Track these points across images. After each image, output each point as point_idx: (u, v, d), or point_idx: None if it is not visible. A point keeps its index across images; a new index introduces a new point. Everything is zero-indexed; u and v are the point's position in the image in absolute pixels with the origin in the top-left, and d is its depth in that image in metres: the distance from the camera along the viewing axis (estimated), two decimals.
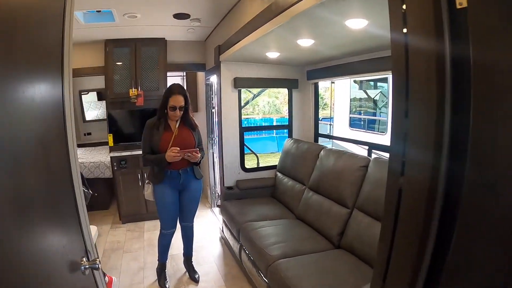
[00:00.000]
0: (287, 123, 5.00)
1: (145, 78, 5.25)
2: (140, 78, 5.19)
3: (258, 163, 5.52)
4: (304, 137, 4.93)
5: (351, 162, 3.36)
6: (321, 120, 9.67)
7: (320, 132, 4.94)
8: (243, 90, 5.03)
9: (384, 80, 8.23)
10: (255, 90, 8.90)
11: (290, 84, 4.83)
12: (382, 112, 8.52)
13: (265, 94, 16.07)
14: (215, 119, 5.41)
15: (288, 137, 4.93)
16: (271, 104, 16.72)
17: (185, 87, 6.72)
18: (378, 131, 8.07)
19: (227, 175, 4.70)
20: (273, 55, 3.88)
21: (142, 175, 5.14)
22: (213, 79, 5.12)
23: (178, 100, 3.22)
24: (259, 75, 4.66)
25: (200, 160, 3.33)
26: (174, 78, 7.53)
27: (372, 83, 9.20)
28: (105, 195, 5.83)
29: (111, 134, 5.32)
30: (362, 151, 7.08)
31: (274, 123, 14.72)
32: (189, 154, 3.14)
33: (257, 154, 5.65)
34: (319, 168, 3.80)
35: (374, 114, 8.83)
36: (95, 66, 5.30)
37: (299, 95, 4.93)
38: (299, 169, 4.20)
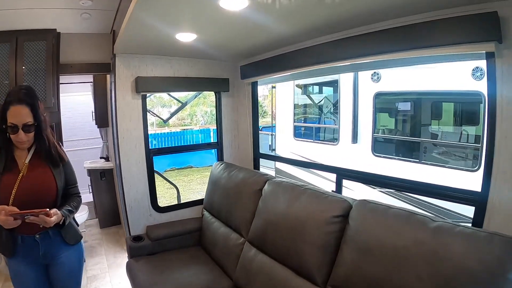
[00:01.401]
0: (215, 140, 3.53)
1: (28, 84, 3.47)
2: (21, 83, 3.46)
3: (178, 196, 3.94)
4: (239, 158, 3.58)
5: (318, 208, 2.03)
6: (261, 130, 8.41)
7: (261, 143, 3.61)
8: (152, 96, 3.43)
9: (331, 84, 7.10)
10: (182, 97, 7.26)
11: (218, 86, 3.44)
12: (327, 118, 7.49)
13: (203, 103, 14.52)
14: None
15: (217, 160, 3.46)
16: (209, 114, 15.23)
17: (92, 97, 5.13)
18: (327, 141, 6.86)
19: (132, 220, 3.18)
20: (187, 37, 2.46)
21: None
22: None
23: (19, 114, 1.80)
24: (173, 73, 3.21)
25: (65, 221, 1.90)
26: (78, 86, 5.81)
27: (316, 87, 8.07)
28: None
29: None
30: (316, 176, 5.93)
31: (211, 135, 13.17)
32: (35, 216, 1.69)
33: (176, 185, 4.06)
34: (264, 212, 2.43)
35: (319, 122, 7.67)
36: None
37: (230, 100, 3.57)
38: (233, 211, 2.79)
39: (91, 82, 5.21)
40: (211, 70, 3.38)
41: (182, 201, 3.98)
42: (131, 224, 3.17)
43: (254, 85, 3.43)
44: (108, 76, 4.51)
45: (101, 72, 3.99)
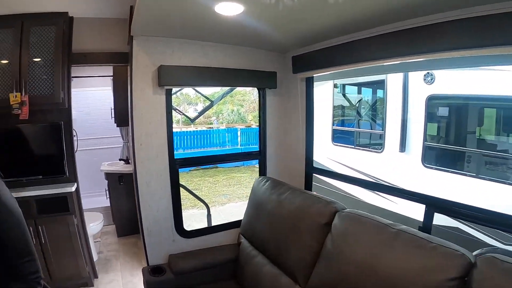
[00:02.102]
0: (257, 149, 2.80)
1: (34, 77, 2.89)
2: (26, 76, 2.85)
3: (209, 217, 3.20)
4: (287, 173, 2.82)
5: (424, 264, 1.35)
6: None
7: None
8: (178, 93, 2.75)
9: (371, 84, 6.31)
10: (212, 94, 6.45)
11: (263, 81, 2.69)
12: (364, 121, 6.64)
13: (229, 102, 13.84)
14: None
15: (260, 175, 2.73)
16: (235, 112, 14.56)
17: (112, 93, 4.50)
18: (370, 147, 6.03)
19: (151, 247, 2.50)
20: (230, 10, 1.75)
21: (37, 228, 2.91)
22: None
23: None
24: (207, 63, 2.49)
25: None
26: (98, 80, 5.16)
27: (353, 88, 7.25)
28: None
29: None
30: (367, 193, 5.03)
31: (239, 135, 12.44)
32: None
33: (207, 203, 3.30)
34: (335, 258, 1.70)
35: (354, 125, 6.85)
36: None
37: (277, 100, 2.83)
38: (284, 247, 2.06)
39: (111, 76, 4.57)
40: (254, 61, 2.65)
41: (208, 205, 3.25)
42: (149, 252, 2.48)
43: (309, 82, 2.68)
44: (128, 68, 3.87)
45: (120, 63, 3.33)
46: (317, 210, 1.91)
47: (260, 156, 2.82)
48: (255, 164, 8.17)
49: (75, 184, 3.12)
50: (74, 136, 3.22)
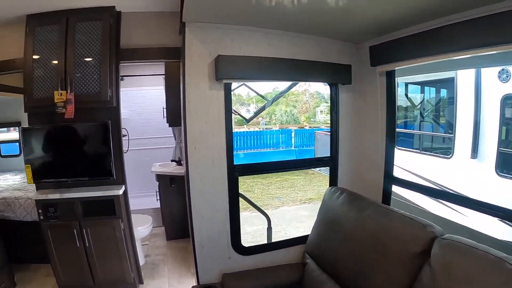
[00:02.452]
0: (329, 155, 2.41)
1: (80, 75, 2.72)
2: (72, 73, 2.68)
3: (269, 231, 2.82)
4: (361, 183, 2.41)
5: None
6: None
7: None
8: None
9: (434, 83, 5.72)
10: (264, 94, 6.07)
11: (337, 75, 2.29)
12: (426, 122, 6.03)
13: (283, 102, 13.52)
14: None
15: (331, 185, 2.33)
16: (288, 113, 14.21)
17: (164, 91, 4.30)
18: (437, 152, 5.41)
19: (203, 263, 2.18)
20: None
21: (81, 230, 2.82)
22: None
23: None
24: (273, 53, 2.12)
25: None
26: (148, 80, 5.05)
27: (416, 87, 6.61)
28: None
29: (29, 166, 2.83)
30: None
31: (293, 136, 12.10)
32: None
33: (268, 215, 2.91)
34: None
35: (414, 127, 6.22)
36: (15, 59, 2.87)
37: (351, 97, 2.42)
38: (365, 275, 1.65)
39: (163, 74, 4.37)
40: (324, 53, 2.26)
41: (269, 217, 2.86)
42: (201, 269, 2.17)
43: (390, 76, 2.24)
44: (181, 60, 3.64)
45: (171, 59, 3.06)
46: (410, 234, 1.49)
47: (331, 162, 2.41)
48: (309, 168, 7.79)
49: (123, 186, 2.91)
50: (125, 135, 3.02)
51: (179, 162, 4.39)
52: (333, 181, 2.41)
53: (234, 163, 2.12)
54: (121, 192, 2.83)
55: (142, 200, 4.89)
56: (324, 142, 8.97)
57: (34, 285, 3.26)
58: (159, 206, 4.41)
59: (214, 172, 2.07)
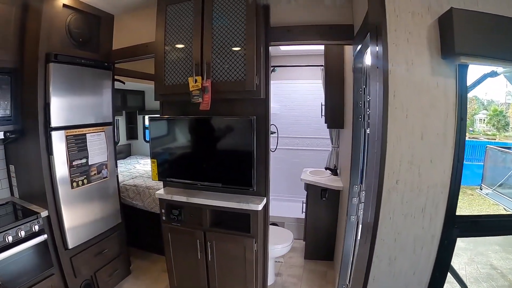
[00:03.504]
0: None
1: (219, 59, 2.09)
2: (209, 57, 2.11)
3: None
4: None
5: None
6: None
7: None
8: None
9: None
10: None
11: None
12: None
13: None
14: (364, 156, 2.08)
15: None
16: None
17: (323, 85, 3.56)
18: None
19: None
20: None
21: (206, 242, 2.32)
22: (370, 56, 1.51)
23: None
24: None
25: None
26: (302, 72, 4.38)
27: None
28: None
29: (155, 161, 2.47)
30: None
31: None
32: None
33: None
34: None
35: None
36: (148, 43, 2.52)
37: None
38: None
39: (322, 65, 3.57)
40: None
41: None
42: None
43: None
44: (347, 49, 2.75)
45: (338, 40, 2.22)
46: None
47: None
48: None
49: (264, 200, 2.23)
50: (274, 133, 2.35)
51: (334, 171, 3.51)
52: None
53: (456, 215, 1.14)
54: (260, 207, 2.16)
55: (284, 206, 4.26)
56: (497, 160, 6.19)
57: (147, 279, 2.99)
58: (302, 217, 3.64)
59: (419, 226, 1.13)
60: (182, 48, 2.15)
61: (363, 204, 1.90)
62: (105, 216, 2.66)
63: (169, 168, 2.39)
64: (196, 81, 2.06)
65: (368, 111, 1.88)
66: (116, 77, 2.82)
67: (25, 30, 2.16)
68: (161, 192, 2.41)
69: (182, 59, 2.15)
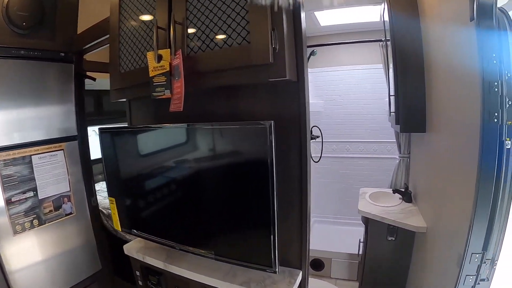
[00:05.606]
0: None
1: (200, 10, 1.04)
2: (184, 10, 1.08)
3: None
4: None
5: None
6: None
7: None
8: None
9: None
10: None
11: None
12: None
13: None
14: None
15: None
16: None
17: (384, 71, 2.40)
18: None
19: None
20: None
21: None
22: None
23: None
24: None
25: None
26: (351, 55, 3.24)
27: None
28: None
29: (113, 199, 1.48)
30: None
31: None
32: None
33: None
34: None
35: None
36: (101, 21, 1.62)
37: None
38: None
39: (381, 40, 2.37)
40: None
41: None
42: None
43: None
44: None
45: None
46: None
47: None
48: None
49: (298, 278, 1.17)
50: (318, 137, 1.47)
51: (407, 196, 2.14)
52: None
53: None
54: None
55: (331, 231, 3.31)
56: None
57: None
58: (355, 252, 2.56)
59: None
60: (143, 4, 1.16)
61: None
62: (75, 265, 1.81)
63: (135, 214, 1.42)
64: (160, 58, 1.06)
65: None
66: (87, 73, 1.92)
67: None
68: (131, 246, 1.46)
69: (144, 28, 1.17)
